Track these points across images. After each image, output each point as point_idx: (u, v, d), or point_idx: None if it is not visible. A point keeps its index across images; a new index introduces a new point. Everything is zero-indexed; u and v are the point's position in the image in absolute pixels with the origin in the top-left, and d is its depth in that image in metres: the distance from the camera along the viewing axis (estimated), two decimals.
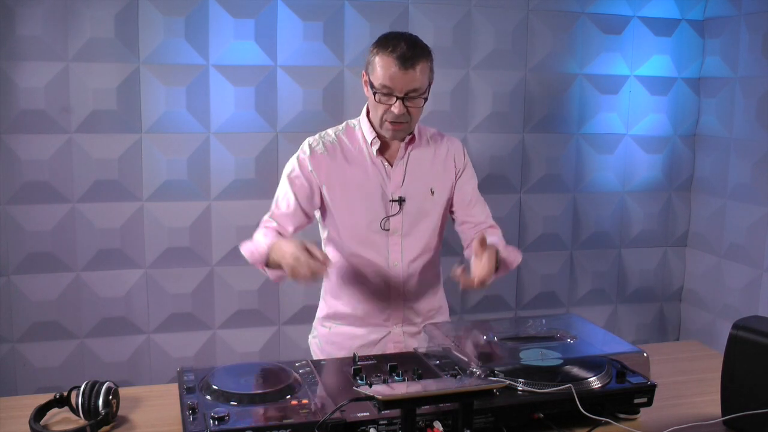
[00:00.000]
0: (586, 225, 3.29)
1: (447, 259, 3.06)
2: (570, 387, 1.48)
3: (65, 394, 1.57)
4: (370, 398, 1.29)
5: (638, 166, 3.30)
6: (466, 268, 1.75)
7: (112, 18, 2.64)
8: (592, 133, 3.22)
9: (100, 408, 1.48)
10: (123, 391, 1.59)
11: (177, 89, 2.73)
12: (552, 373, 1.55)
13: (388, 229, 1.97)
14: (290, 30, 2.81)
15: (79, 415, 1.51)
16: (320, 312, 2.14)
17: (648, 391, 1.56)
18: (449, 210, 2.09)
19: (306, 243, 1.70)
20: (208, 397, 1.46)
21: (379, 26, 2.76)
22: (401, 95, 1.84)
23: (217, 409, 1.38)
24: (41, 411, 1.53)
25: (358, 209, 1.96)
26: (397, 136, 1.93)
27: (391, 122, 1.88)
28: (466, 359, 1.61)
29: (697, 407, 1.64)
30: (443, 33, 2.94)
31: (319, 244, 2.11)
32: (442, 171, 2.04)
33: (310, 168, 1.95)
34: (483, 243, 1.75)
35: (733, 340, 1.54)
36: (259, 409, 1.40)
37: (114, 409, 1.52)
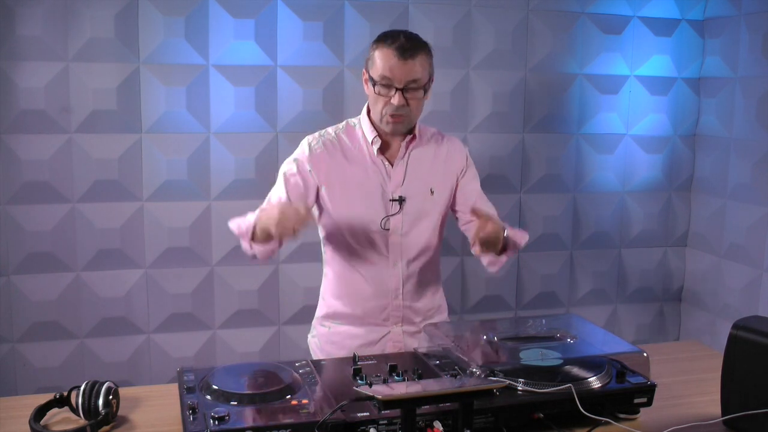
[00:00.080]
0: (586, 225, 3.29)
1: (447, 259, 3.08)
2: (570, 387, 1.48)
3: (65, 394, 1.57)
4: (370, 398, 1.29)
5: (638, 166, 3.30)
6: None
7: (112, 18, 2.64)
8: (592, 133, 3.22)
9: (100, 408, 1.48)
10: (123, 391, 1.59)
11: (177, 89, 2.73)
12: (552, 373, 1.55)
13: (388, 229, 1.97)
14: (290, 30, 2.81)
15: (79, 415, 1.51)
16: (319, 311, 2.14)
17: (648, 391, 1.56)
18: (452, 210, 2.09)
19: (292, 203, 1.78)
20: (208, 397, 1.46)
21: (379, 26, 2.76)
22: (401, 86, 1.85)
23: (217, 409, 1.38)
24: (41, 411, 1.53)
25: (357, 208, 1.96)
26: (397, 129, 1.92)
27: (391, 115, 1.88)
28: (466, 359, 1.61)
29: (697, 407, 1.64)
30: (443, 33, 2.94)
31: (317, 240, 2.11)
32: (442, 171, 2.04)
33: (308, 168, 1.95)
34: (475, 211, 1.80)
35: (733, 340, 1.54)
36: (259, 409, 1.40)
37: (114, 409, 1.52)
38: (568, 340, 1.74)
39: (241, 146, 2.83)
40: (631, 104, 3.24)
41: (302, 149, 1.99)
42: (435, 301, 2.11)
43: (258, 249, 1.86)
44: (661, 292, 3.47)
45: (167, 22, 2.69)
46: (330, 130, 2.03)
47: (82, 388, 1.51)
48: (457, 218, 2.11)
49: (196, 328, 2.91)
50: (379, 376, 1.57)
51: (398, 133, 1.95)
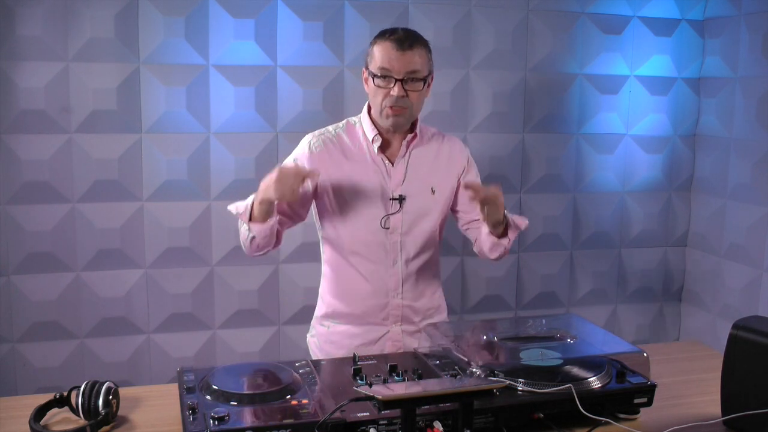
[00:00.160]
0: (586, 225, 3.29)
1: (447, 259, 3.08)
2: (570, 387, 1.48)
3: (65, 394, 1.57)
4: (370, 398, 1.29)
5: (638, 166, 3.30)
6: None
7: (112, 18, 2.64)
8: (592, 133, 3.22)
9: (100, 408, 1.48)
10: (123, 391, 1.59)
11: (177, 89, 2.73)
12: (552, 373, 1.55)
13: (388, 228, 1.97)
14: (290, 30, 2.81)
15: (79, 415, 1.51)
16: (319, 311, 2.13)
17: (648, 391, 1.56)
18: (452, 211, 2.09)
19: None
20: (208, 397, 1.46)
21: (379, 26, 2.72)
22: (400, 77, 1.85)
23: (217, 409, 1.38)
24: (41, 411, 1.53)
25: (357, 207, 1.96)
26: (397, 123, 1.92)
27: (391, 107, 1.88)
28: (466, 359, 1.61)
29: (697, 407, 1.64)
30: (443, 33, 2.94)
31: (317, 240, 2.11)
32: (443, 170, 2.04)
33: (308, 167, 1.95)
34: (470, 185, 1.84)
35: (733, 340, 1.54)
36: (259, 409, 1.40)
37: (114, 409, 1.53)
38: (568, 340, 1.74)
39: (241, 146, 2.83)
40: (631, 104, 3.24)
41: (302, 148, 1.99)
42: (434, 300, 2.11)
43: (257, 229, 1.85)
44: (661, 292, 3.47)
45: (167, 22, 2.69)
46: (330, 128, 2.03)
47: (82, 388, 1.51)
48: (457, 219, 2.11)
49: (196, 328, 2.91)
50: (379, 376, 1.57)
51: (398, 127, 1.94)
